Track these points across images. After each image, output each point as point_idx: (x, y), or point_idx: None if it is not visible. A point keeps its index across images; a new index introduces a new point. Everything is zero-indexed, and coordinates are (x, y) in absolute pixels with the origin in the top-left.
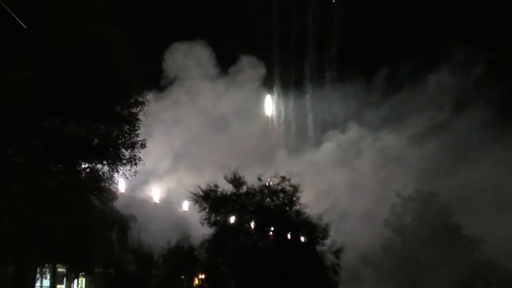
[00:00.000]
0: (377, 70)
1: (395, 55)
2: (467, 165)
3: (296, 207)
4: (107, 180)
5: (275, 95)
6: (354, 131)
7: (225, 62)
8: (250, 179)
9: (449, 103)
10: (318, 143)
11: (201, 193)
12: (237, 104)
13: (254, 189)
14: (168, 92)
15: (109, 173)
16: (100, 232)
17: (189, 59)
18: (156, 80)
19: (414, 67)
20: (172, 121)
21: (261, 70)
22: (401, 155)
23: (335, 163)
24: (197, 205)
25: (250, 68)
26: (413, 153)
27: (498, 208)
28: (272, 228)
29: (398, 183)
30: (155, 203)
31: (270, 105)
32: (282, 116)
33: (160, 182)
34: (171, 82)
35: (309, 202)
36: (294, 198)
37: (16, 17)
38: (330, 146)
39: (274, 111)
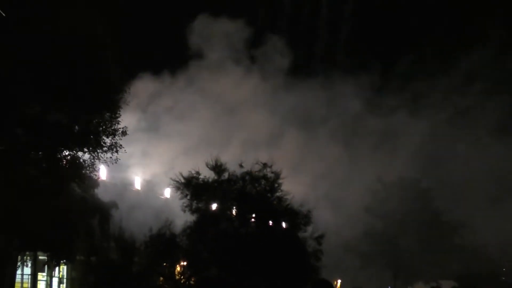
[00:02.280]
0: (400, 53)
1: (421, 38)
2: (466, 153)
3: (277, 194)
4: (88, 168)
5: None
6: (353, 115)
7: (249, 42)
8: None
9: (475, 91)
10: (315, 125)
11: (182, 180)
12: (255, 93)
13: (236, 176)
14: (184, 71)
15: (90, 160)
16: (81, 219)
17: (214, 35)
18: (176, 56)
19: (441, 50)
20: (180, 104)
21: (285, 62)
22: (399, 140)
23: (327, 146)
24: (178, 192)
25: (277, 54)
26: (412, 139)
27: (481, 195)
28: (253, 215)
29: (388, 168)
30: (137, 190)
31: None
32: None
33: (146, 168)
34: (191, 58)
35: (296, 186)
36: (276, 185)
37: None
38: (326, 128)
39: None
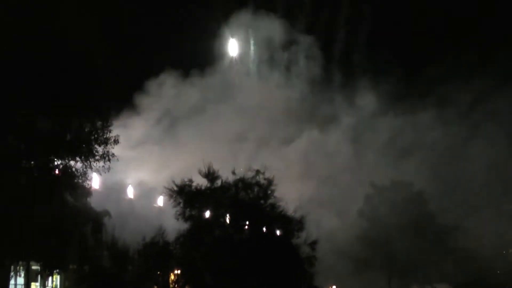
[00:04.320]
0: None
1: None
2: (466, 156)
3: (271, 200)
4: (80, 177)
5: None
6: (368, 118)
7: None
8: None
9: (494, 94)
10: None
11: (175, 188)
12: (274, 96)
13: (229, 183)
14: (205, 73)
15: (83, 169)
16: (74, 228)
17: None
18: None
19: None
20: (192, 108)
21: (315, 68)
22: (403, 144)
23: (337, 149)
24: (171, 200)
25: (306, 58)
26: (418, 142)
27: (477, 197)
28: (247, 222)
29: (386, 171)
30: (130, 198)
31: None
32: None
33: (140, 176)
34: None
35: (292, 190)
36: (269, 192)
37: None
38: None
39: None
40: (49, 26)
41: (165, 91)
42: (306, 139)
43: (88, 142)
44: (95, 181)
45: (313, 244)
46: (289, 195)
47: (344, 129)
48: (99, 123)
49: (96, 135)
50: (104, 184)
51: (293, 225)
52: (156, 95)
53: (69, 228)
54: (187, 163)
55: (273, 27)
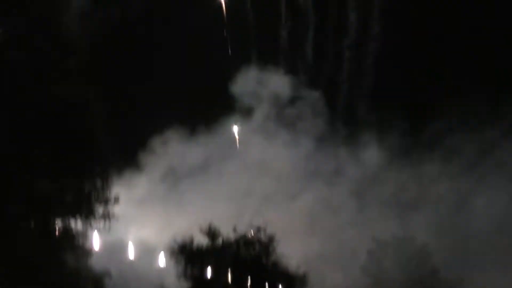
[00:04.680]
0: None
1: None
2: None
3: (272, 257)
4: (80, 237)
5: None
6: (373, 172)
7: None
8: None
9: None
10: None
11: (176, 246)
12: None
13: (230, 241)
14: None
15: (83, 229)
16: None
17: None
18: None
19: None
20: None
21: (320, 123)
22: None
23: (341, 204)
24: (172, 259)
25: (312, 113)
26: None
27: (483, 249)
28: (249, 280)
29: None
30: (131, 260)
31: None
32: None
33: (142, 234)
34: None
35: (296, 246)
36: (271, 249)
37: None
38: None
39: None
40: (46, 82)
41: (169, 148)
42: (310, 194)
43: (88, 202)
44: (95, 241)
45: None
46: (293, 251)
47: (349, 183)
48: (99, 183)
49: (96, 195)
50: (104, 243)
51: (295, 282)
52: (160, 152)
53: None
54: (190, 221)
55: (279, 83)
